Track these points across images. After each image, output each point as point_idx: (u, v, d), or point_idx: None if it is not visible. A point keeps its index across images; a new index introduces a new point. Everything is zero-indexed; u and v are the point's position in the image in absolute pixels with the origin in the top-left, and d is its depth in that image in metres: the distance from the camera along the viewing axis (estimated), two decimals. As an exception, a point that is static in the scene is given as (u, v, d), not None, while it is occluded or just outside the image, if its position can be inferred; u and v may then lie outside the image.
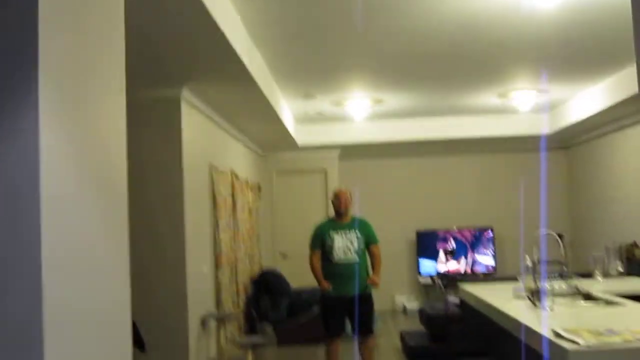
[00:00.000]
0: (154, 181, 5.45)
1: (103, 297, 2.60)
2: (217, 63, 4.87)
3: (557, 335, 2.92)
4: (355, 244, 5.91)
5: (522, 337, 3.33)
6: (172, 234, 5.46)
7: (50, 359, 2.09)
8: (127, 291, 2.89)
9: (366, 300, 5.94)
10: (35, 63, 2.10)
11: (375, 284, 6.00)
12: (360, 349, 6.07)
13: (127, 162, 2.94)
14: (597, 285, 4.92)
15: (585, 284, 4.87)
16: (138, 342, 4.23)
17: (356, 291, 5.81)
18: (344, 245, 5.91)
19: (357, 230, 5.97)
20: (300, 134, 9.44)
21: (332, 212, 6.13)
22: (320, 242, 6.02)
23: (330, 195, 6.32)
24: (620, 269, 5.73)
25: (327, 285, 5.95)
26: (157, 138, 5.50)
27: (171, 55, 4.66)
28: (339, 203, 6.04)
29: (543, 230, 4.81)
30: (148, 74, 4.98)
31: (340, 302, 5.87)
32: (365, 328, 5.96)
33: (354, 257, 5.89)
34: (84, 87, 2.51)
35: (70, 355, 2.29)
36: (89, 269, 2.47)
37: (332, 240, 5.93)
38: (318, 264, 6.02)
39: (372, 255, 6.04)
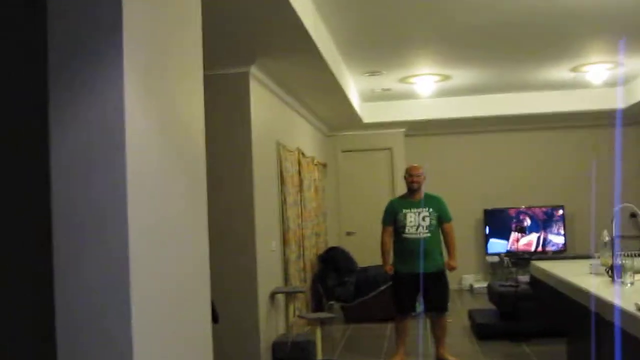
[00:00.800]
0: (225, 157, 5.52)
1: (185, 267, 2.65)
2: (286, 38, 4.88)
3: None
4: (427, 221, 5.84)
5: (606, 313, 3.24)
6: (242, 210, 5.53)
7: (136, 323, 2.15)
8: (207, 262, 2.95)
9: (439, 278, 5.87)
10: (120, 38, 2.14)
11: (452, 269, 5.97)
12: (433, 327, 6.06)
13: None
14: (678, 263, 4.74)
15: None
16: (212, 314, 4.31)
17: (428, 269, 5.72)
18: (416, 221, 5.84)
19: (429, 207, 5.89)
20: (366, 112, 9.40)
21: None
22: (392, 218, 5.97)
23: (403, 172, 6.25)
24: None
25: (389, 268, 5.97)
26: (227, 114, 5.56)
27: (242, 31, 4.69)
28: (411, 179, 5.97)
29: (618, 206, 4.67)
30: (219, 50, 5.03)
31: (412, 279, 5.78)
32: (439, 306, 5.91)
33: (425, 233, 5.82)
34: (165, 62, 2.54)
35: (156, 320, 2.35)
36: (172, 240, 2.52)
37: (404, 216, 5.86)
38: (388, 241, 5.99)
39: (445, 234, 5.96)
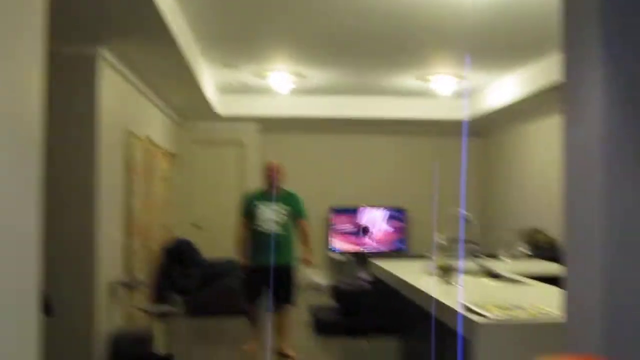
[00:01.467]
0: (66, 141, 5.24)
1: (11, 254, 2.49)
2: (137, 20, 4.69)
3: (467, 309, 3.01)
4: (281, 217, 6.00)
5: (433, 311, 3.42)
6: (82, 198, 5.29)
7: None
8: (37, 253, 2.79)
9: (288, 272, 6.04)
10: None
11: (308, 264, 6.17)
12: (277, 319, 6.15)
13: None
14: (504, 266, 5.11)
15: (493, 264, 5.06)
16: (46, 306, 4.08)
17: (278, 262, 5.80)
18: (270, 216, 5.98)
19: (284, 204, 6.05)
20: (222, 104, 9.30)
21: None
22: (247, 210, 6.12)
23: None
24: (526, 251, 5.96)
25: (243, 260, 6.09)
26: (72, 97, 5.28)
27: (87, 7, 4.44)
28: (270, 173, 6.13)
29: (460, 210, 4.94)
30: (63, 27, 4.75)
31: (262, 272, 5.86)
32: (285, 299, 6.06)
33: (278, 229, 5.95)
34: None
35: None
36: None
37: (259, 210, 6.02)
38: (243, 232, 6.14)
39: (300, 231, 6.15)
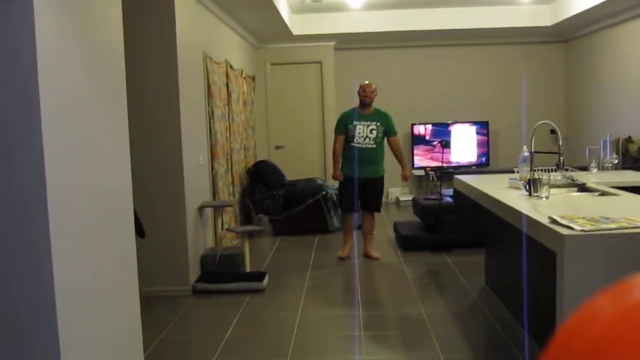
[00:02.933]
0: (149, 69, 5.36)
1: (105, 180, 2.60)
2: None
3: (553, 221, 2.96)
4: (374, 133, 6.51)
5: (521, 225, 3.38)
6: (168, 124, 5.43)
7: (55, 236, 2.11)
8: (129, 177, 2.89)
9: (378, 184, 6.68)
10: None
11: (406, 178, 6.86)
12: (364, 223, 6.82)
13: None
14: (592, 177, 4.97)
15: (580, 176, 4.92)
16: (138, 228, 4.28)
17: (370, 175, 6.53)
18: (364, 133, 6.51)
19: (377, 122, 6.55)
20: (296, 24, 9.23)
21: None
22: (343, 128, 6.61)
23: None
24: (615, 162, 5.76)
25: (338, 174, 6.68)
26: (150, 25, 5.36)
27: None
28: (364, 94, 6.58)
29: (547, 122, 4.79)
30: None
31: (357, 183, 6.48)
32: (374, 205, 6.72)
33: (372, 144, 6.51)
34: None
35: (74, 234, 2.31)
36: (90, 154, 2.46)
37: (354, 127, 6.53)
38: (339, 148, 6.66)
39: (393, 146, 6.73)
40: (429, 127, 10.39)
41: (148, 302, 5.11)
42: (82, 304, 2.43)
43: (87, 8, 2.45)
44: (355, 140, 6.51)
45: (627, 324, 0.58)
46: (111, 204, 2.66)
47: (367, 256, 6.72)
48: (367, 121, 6.53)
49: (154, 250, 5.29)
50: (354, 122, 6.54)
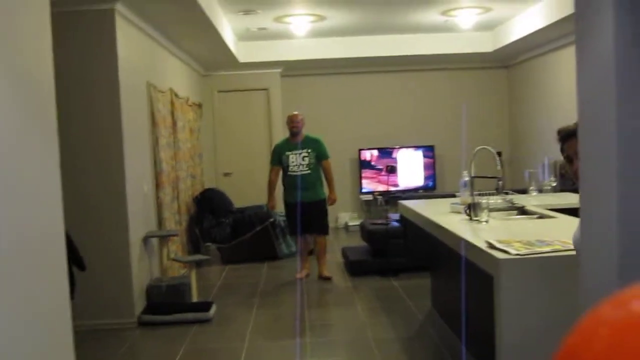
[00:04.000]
0: (90, 97, 5.30)
1: (35, 221, 2.55)
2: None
3: (491, 245, 3.02)
4: (307, 160, 6.82)
5: (461, 249, 3.44)
6: (111, 153, 5.36)
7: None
8: (60, 213, 2.84)
9: (320, 206, 6.91)
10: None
11: (332, 201, 7.02)
12: (315, 248, 7.08)
13: (57, 79, 2.83)
14: (531, 200, 5.09)
15: (520, 199, 5.04)
16: (77, 261, 4.20)
17: (310, 198, 6.76)
18: (297, 161, 6.82)
19: (308, 149, 6.85)
20: (242, 51, 9.26)
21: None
22: (278, 158, 6.95)
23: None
24: (554, 184, 5.92)
25: (272, 205, 7.10)
26: (91, 55, 5.31)
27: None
28: (292, 124, 6.91)
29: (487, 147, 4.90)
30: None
31: (301, 206, 6.67)
32: (320, 228, 6.95)
33: (306, 171, 6.81)
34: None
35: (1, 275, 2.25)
36: (17, 191, 2.41)
37: (287, 157, 6.85)
38: (275, 179, 7.02)
39: (324, 170, 6.96)
40: (375, 152, 10.50)
41: (92, 336, 5.00)
42: (11, 349, 2.36)
43: (13, 41, 2.42)
44: (290, 169, 6.85)
45: (635, 334, 0.59)
46: (40, 248, 2.60)
47: (320, 277, 6.94)
48: (298, 150, 6.85)
49: (97, 282, 5.18)
50: (287, 153, 6.87)
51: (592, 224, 1.91)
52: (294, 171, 6.81)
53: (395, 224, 7.22)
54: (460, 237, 3.44)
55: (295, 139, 6.90)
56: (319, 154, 6.88)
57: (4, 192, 2.29)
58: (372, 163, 10.51)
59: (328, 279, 6.88)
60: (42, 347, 2.57)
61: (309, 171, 6.81)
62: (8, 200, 2.33)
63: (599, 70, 1.80)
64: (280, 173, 7.01)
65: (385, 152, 10.48)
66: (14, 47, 2.38)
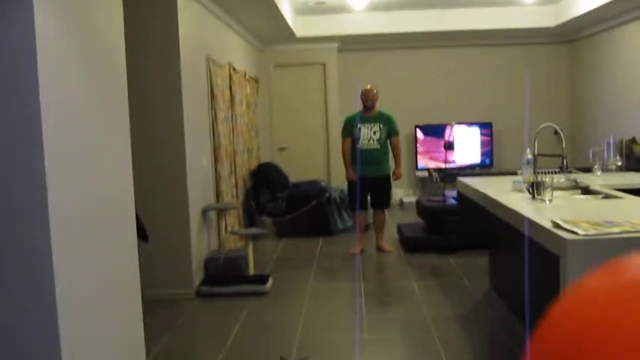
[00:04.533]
0: (151, 73, 5.37)
1: (107, 188, 2.60)
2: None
3: (556, 225, 2.95)
4: (378, 135, 6.87)
5: (524, 229, 3.37)
6: (171, 128, 5.43)
7: (56, 242, 2.11)
8: (130, 182, 2.90)
9: (385, 181, 7.06)
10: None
11: (398, 177, 7.17)
12: (375, 220, 7.26)
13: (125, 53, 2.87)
14: (595, 180, 4.95)
15: (584, 178, 4.91)
16: (141, 233, 4.28)
17: (377, 173, 6.88)
18: (369, 135, 6.87)
19: (380, 123, 6.90)
20: (299, 26, 9.23)
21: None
22: (349, 131, 6.99)
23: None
24: (619, 164, 5.75)
25: (351, 175, 6.98)
26: (154, 29, 5.37)
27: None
28: (366, 99, 6.94)
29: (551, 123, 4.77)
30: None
31: (364, 182, 6.84)
32: (383, 202, 7.12)
33: (376, 145, 6.88)
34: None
35: (76, 240, 2.31)
36: (91, 159, 2.46)
37: (359, 130, 6.90)
38: (348, 151, 7.00)
39: (393, 146, 7.07)
40: (433, 128, 10.37)
41: (151, 306, 5.11)
42: (83, 309, 2.43)
43: (87, 9, 2.45)
44: (360, 143, 6.87)
45: (620, 304, 0.58)
46: (113, 209, 2.66)
47: (379, 249, 7.09)
48: (370, 123, 6.88)
49: (158, 253, 5.29)
50: (358, 125, 6.89)
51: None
52: (364, 145, 6.87)
53: (452, 201, 7.14)
54: (524, 216, 3.37)
55: (368, 113, 6.95)
56: (390, 130, 6.96)
57: (81, 159, 2.34)
58: (430, 141, 10.39)
59: (388, 251, 7.01)
60: (114, 314, 2.64)
61: (378, 146, 6.88)
62: (85, 168, 2.38)
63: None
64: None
65: (441, 129, 10.35)
66: (88, 15, 2.41)
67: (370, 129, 6.87)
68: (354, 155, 6.94)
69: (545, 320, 0.63)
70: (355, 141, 6.92)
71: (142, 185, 5.24)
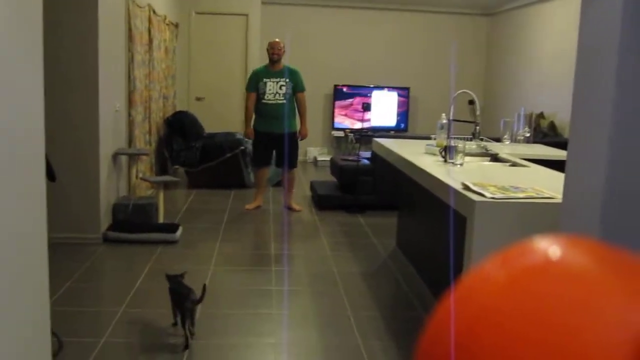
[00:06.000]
0: (67, 9, 5.13)
1: (17, 125, 2.49)
2: None
3: (466, 187, 3.05)
4: (284, 89, 6.70)
5: (435, 190, 3.46)
6: (85, 67, 5.24)
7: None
8: (42, 121, 2.78)
9: (291, 138, 6.79)
10: None
11: (304, 137, 6.98)
12: (283, 178, 7.13)
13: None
14: (505, 148, 5.13)
15: (494, 147, 5.08)
16: (48, 172, 4.13)
17: (282, 129, 6.65)
18: (274, 89, 6.69)
19: (286, 78, 6.72)
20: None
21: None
22: (254, 85, 6.78)
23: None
24: (527, 135, 5.97)
25: (250, 133, 6.87)
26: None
27: None
28: (272, 51, 6.73)
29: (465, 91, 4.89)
30: None
31: (269, 138, 6.74)
32: (290, 162, 6.86)
33: (282, 100, 6.69)
34: None
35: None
36: (1, 89, 2.34)
37: (265, 84, 6.71)
38: (251, 106, 6.82)
39: (298, 102, 6.85)
40: (351, 89, 10.43)
41: (57, 249, 4.97)
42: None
43: None
44: (266, 97, 6.71)
45: (518, 289, 0.59)
46: (22, 147, 2.55)
47: (288, 208, 6.99)
48: (276, 78, 6.72)
49: (65, 195, 5.14)
50: (264, 80, 6.72)
51: (578, 169, 1.93)
52: (269, 99, 6.69)
53: (366, 161, 7.25)
54: (435, 177, 3.46)
55: (274, 66, 6.75)
56: (296, 85, 6.77)
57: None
58: (347, 101, 10.45)
59: (297, 211, 6.96)
60: (19, 255, 2.55)
61: (284, 101, 6.69)
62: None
63: (603, 24, 1.79)
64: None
65: (361, 90, 10.43)
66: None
67: (277, 83, 6.69)
68: (259, 110, 6.77)
69: (441, 305, 0.64)
70: (260, 96, 6.73)
71: (54, 124, 5.04)
